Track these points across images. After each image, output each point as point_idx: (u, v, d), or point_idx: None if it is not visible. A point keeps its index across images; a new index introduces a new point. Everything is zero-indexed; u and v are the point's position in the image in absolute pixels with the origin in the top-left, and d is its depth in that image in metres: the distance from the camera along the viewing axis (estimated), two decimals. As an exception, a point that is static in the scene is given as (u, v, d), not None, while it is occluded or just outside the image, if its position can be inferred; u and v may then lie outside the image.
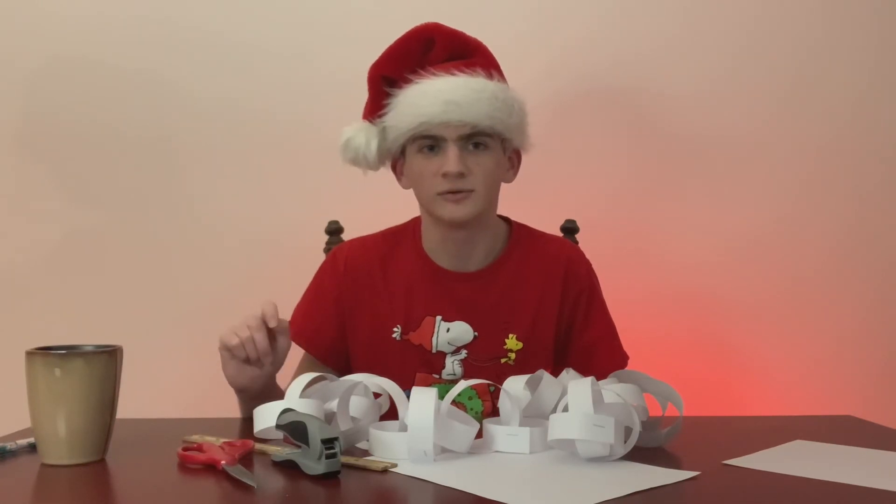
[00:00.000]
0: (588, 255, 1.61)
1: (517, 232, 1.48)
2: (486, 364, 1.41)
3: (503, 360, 1.41)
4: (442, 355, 1.41)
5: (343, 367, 1.45)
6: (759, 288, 2.02)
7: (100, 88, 1.97)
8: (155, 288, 1.97)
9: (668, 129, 2.01)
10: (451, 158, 1.32)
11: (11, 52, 1.96)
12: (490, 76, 1.37)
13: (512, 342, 1.41)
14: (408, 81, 1.36)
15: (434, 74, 1.34)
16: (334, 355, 1.45)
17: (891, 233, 2.05)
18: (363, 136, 1.39)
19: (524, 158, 1.47)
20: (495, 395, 1.39)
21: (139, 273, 1.98)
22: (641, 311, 1.97)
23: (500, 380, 1.34)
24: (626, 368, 1.24)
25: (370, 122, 1.41)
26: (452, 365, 1.41)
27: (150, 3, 1.97)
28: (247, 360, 1.25)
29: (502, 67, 1.44)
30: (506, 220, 1.50)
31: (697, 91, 2.00)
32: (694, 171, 2.02)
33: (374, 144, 1.39)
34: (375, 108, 1.40)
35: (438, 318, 1.41)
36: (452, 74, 1.34)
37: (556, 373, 1.39)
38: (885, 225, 2.04)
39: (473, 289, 1.42)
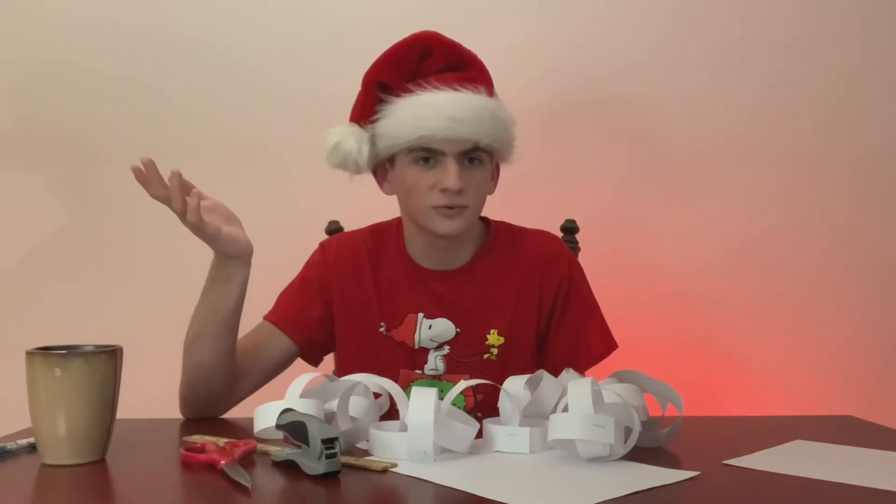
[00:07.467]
0: (588, 255, 1.61)
1: (496, 229, 1.48)
2: (469, 360, 1.41)
3: (485, 356, 1.41)
4: (424, 351, 1.42)
5: (315, 359, 1.47)
6: (759, 288, 2.03)
7: (98, 91, 1.97)
8: (155, 288, 1.98)
9: (666, 131, 2.02)
10: (451, 174, 1.31)
11: (4, 55, 1.96)
12: (490, 93, 1.37)
13: (493, 337, 1.42)
14: (404, 89, 1.34)
15: (436, 87, 1.33)
16: (312, 343, 1.45)
17: (888, 231, 2.05)
18: (354, 140, 1.37)
19: (525, 159, 1.47)
20: (477, 390, 1.41)
21: (139, 273, 1.98)
22: (641, 311, 1.97)
23: (482, 375, 1.36)
24: (626, 369, 1.23)
25: (360, 125, 1.39)
26: (435, 360, 1.41)
27: (142, 8, 1.97)
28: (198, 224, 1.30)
29: (503, 70, 1.44)
30: (483, 219, 1.50)
31: (692, 96, 2.01)
32: (693, 173, 2.02)
33: (365, 150, 1.37)
34: (367, 113, 1.38)
35: (420, 315, 1.42)
36: (455, 89, 1.33)
37: (538, 366, 1.39)
38: (882, 224, 2.05)
39: (454, 286, 1.43)
